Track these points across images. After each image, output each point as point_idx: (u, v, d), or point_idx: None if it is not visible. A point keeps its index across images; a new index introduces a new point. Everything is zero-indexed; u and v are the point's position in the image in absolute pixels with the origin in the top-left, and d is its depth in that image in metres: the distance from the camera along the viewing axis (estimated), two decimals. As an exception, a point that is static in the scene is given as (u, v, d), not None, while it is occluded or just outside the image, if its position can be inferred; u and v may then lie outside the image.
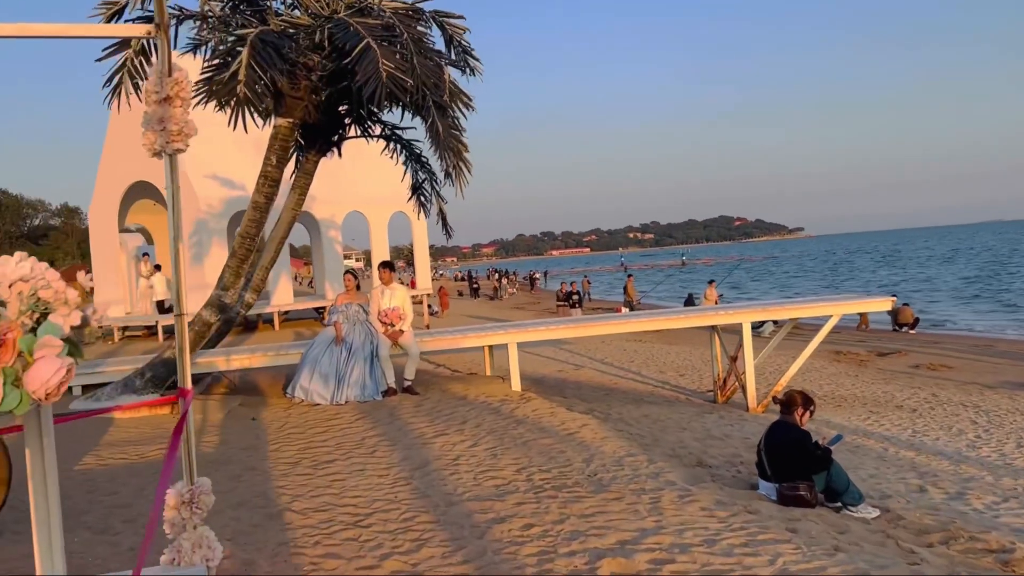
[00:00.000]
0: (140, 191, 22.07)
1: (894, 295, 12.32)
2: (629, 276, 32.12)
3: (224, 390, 10.91)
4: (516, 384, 10.65)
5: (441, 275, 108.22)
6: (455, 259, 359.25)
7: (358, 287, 10.63)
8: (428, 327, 23.83)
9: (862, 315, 25.11)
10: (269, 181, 9.64)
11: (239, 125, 9.04)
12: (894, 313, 24.69)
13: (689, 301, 30.70)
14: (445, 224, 12.03)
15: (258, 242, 10.04)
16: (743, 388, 11.59)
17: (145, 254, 22.38)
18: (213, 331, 9.83)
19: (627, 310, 29.09)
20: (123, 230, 25.44)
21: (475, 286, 52.98)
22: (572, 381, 13.86)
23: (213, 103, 8.62)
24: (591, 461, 6.58)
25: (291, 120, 9.59)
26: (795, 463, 5.70)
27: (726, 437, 8.81)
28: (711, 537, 4.65)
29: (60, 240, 77.37)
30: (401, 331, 10.11)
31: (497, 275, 61.27)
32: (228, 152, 19.90)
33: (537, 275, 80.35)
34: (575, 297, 28.47)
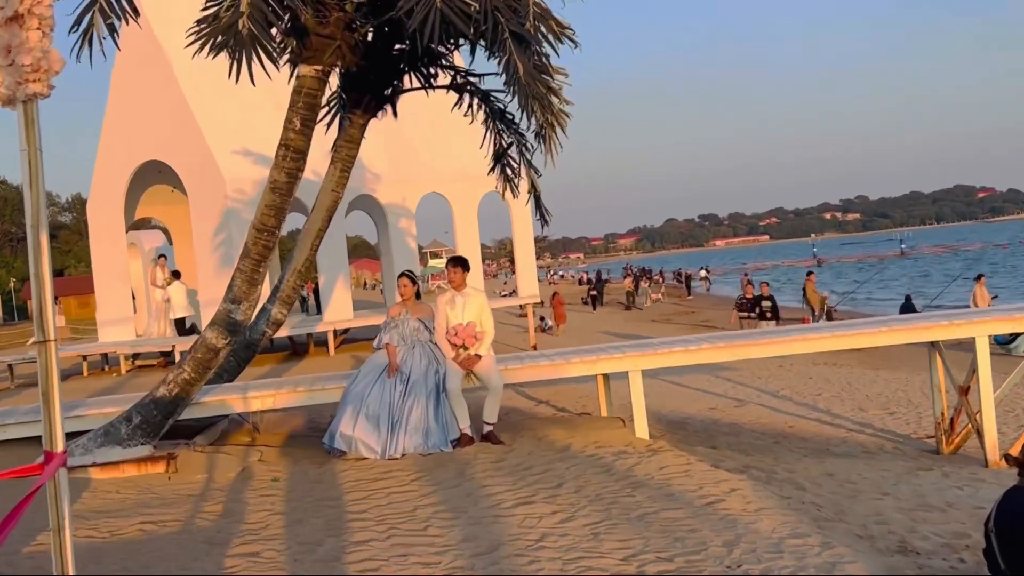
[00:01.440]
0: (152, 175, 22.85)
1: None
2: (808, 274, 30.93)
3: (245, 439, 10.98)
4: (642, 429, 10.32)
5: (561, 277, 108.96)
6: (581, 255, 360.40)
7: (418, 295, 10.45)
8: (535, 348, 23.66)
9: None
10: (292, 152, 9.58)
11: (259, 77, 8.98)
12: None
13: (908, 307, 29.35)
14: (539, 206, 11.74)
15: (277, 237, 10.00)
16: (978, 433, 10.76)
17: (161, 256, 23.12)
18: (222, 358, 9.82)
19: (816, 319, 28.04)
20: (136, 226, 26.45)
21: (593, 293, 51.45)
22: (728, 424, 13.47)
23: (212, 49, 8.57)
24: (735, 545, 6.11)
25: (320, 67, 9.52)
26: (1045, 553, 5.03)
27: (948, 507, 8.17)
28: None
29: (72, 242, 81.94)
30: (478, 356, 9.86)
31: (632, 276, 60.24)
32: (266, 118, 20.30)
33: (702, 274, 79.16)
34: (766, 304, 25.64)
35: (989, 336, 11.07)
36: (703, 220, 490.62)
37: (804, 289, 31.68)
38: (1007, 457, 5.56)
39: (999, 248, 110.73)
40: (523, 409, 13.19)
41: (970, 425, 11.12)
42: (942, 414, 11.58)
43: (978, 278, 26.48)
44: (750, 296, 25.88)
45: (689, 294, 63.38)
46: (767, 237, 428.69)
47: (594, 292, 51.34)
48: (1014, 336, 20.69)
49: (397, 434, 9.50)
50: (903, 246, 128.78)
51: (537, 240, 47.58)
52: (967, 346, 11.06)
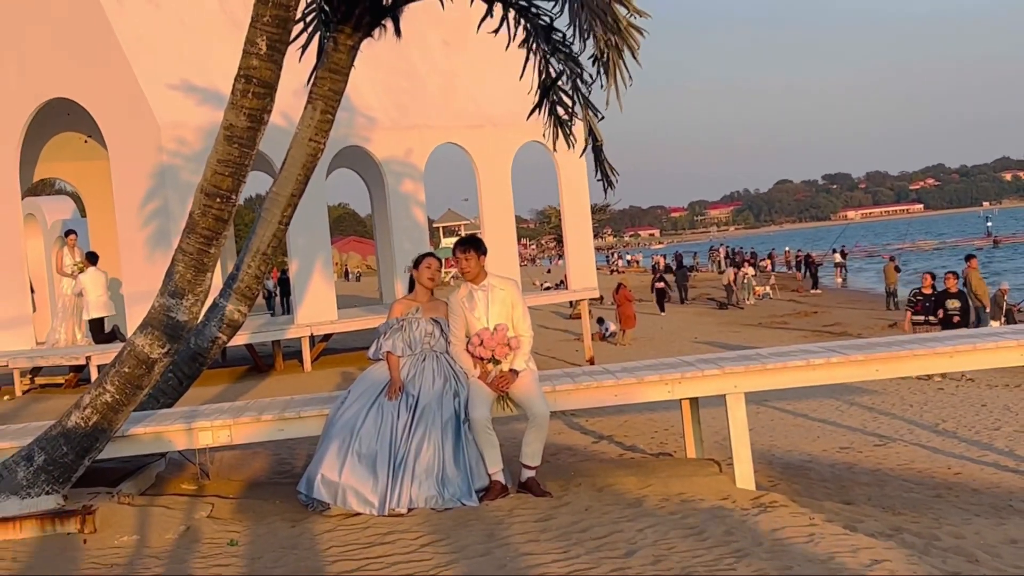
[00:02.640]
0: (58, 119, 22.99)
1: None
2: (970, 258, 30.72)
3: (190, 487, 11.05)
4: (746, 476, 10.36)
5: (628, 263, 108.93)
6: (656, 231, 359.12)
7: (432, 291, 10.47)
8: (592, 362, 23.72)
9: None
10: (255, 86, 9.59)
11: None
12: None
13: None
14: (600, 161, 11.69)
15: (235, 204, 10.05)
16: None
17: (70, 233, 23.27)
18: (158, 374, 9.88)
19: (992, 323, 27.86)
20: (35, 191, 26.64)
21: (660, 285, 50.26)
22: (868, 469, 13.47)
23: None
24: (879, 639, 6.12)
25: (294, -32, 9.53)
26: None
27: None
28: None
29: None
30: (514, 372, 9.88)
31: (728, 258, 59.92)
32: (218, 41, 20.41)
33: (836, 258, 78.12)
34: (952, 304, 23.87)
35: None
36: (828, 181, 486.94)
37: (966, 279, 31.45)
38: None
39: None
40: (578, 447, 13.23)
41: None
42: None
43: None
44: (928, 291, 24.82)
45: (815, 287, 62.96)
46: (921, 206, 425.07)
47: (661, 284, 50.38)
48: None
49: (401, 481, 9.50)
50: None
51: (595, 210, 47.37)
52: None
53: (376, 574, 7.85)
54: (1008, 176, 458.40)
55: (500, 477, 9.77)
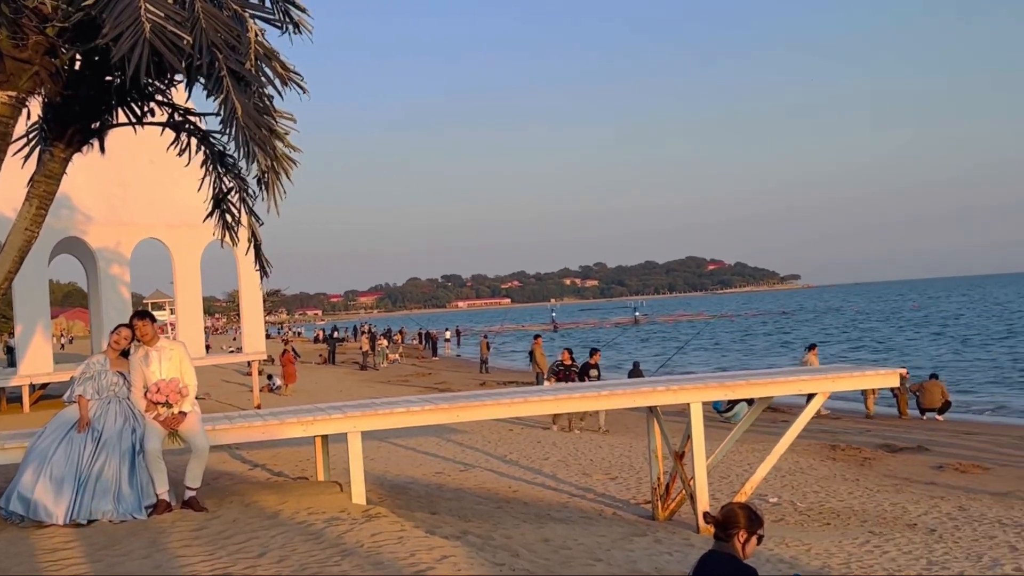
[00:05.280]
0: None
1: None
2: (536, 337, 31.69)
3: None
4: (359, 494, 10.20)
5: (298, 334, 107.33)
6: (319, 312, 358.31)
7: (125, 352, 9.87)
8: (259, 407, 23.05)
9: (867, 395, 25.27)
10: (-23, 184, 8.90)
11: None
12: (919, 393, 24.73)
13: (635, 372, 30.65)
14: (259, 255, 11.50)
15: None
16: (692, 498, 11.26)
17: None
18: None
19: (552, 382, 28.76)
20: None
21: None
22: (452, 488, 13.52)
23: None
24: (439, 615, 6.04)
25: (15, 94, 8.93)
26: (736, 616, 5.25)
27: (657, 572, 8.44)
28: None
29: None
30: (183, 414, 9.42)
31: (368, 334, 59.72)
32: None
33: (447, 335, 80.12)
34: (594, 373, 23.40)
35: (705, 403, 11.65)
36: (446, 280, 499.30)
37: (532, 352, 32.45)
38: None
39: (726, 319, 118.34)
40: (235, 473, 12.78)
41: (684, 490, 11.63)
42: (658, 479, 12.06)
43: (811, 348, 26.58)
44: (568, 363, 24.58)
45: (435, 355, 63.99)
46: (509, 300, 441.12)
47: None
48: (733, 404, 21.83)
49: (83, 497, 8.89)
50: (636, 313, 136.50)
51: (272, 294, 46.51)
52: (686, 411, 11.56)
53: (56, 574, 7.26)
54: (568, 281, 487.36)
55: (166, 496, 9.26)
